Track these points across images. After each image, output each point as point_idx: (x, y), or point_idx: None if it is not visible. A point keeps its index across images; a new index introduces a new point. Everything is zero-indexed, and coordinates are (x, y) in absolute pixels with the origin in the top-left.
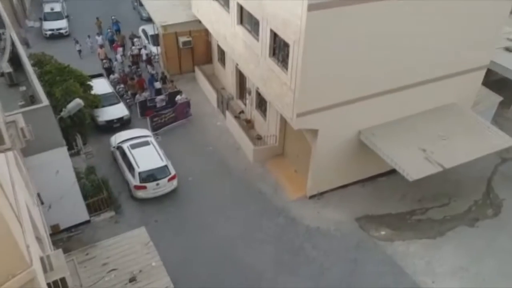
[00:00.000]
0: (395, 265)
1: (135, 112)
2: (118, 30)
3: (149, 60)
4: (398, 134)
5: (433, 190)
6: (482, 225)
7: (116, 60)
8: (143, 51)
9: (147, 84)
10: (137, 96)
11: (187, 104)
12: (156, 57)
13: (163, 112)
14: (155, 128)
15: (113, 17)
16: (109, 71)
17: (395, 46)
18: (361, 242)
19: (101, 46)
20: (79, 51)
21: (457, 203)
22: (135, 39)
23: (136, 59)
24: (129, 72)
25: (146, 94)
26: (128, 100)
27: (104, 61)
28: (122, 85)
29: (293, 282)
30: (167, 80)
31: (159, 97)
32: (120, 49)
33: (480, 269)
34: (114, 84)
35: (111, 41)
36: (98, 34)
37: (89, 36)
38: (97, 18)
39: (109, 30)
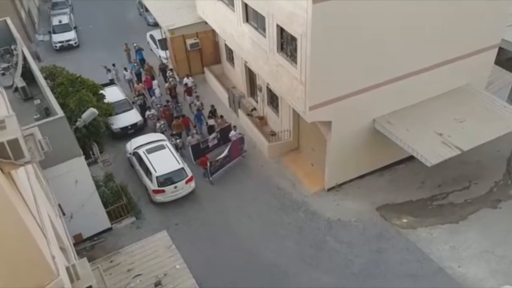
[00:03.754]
0: (419, 252)
1: (187, 157)
2: (142, 60)
3: (189, 90)
4: (413, 120)
5: (453, 174)
6: (505, 206)
7: (154, 94)
8: (185, 80)
9: (195, 122)
10: (189, 138)
11: (241, 140)
12: (195, 88)
13: (219, 158)
14: (212, 173)
15: (135, 44)
16: (143, 107)
17: (404, 31)
18: (383, 231)
19: (129, 81)
20: (111, 80)
21: (477, 186)
22: (169, 72)
23: (173, 93)
24: (171, 107)
25: (198, 136)
26: (178, 141)
27: (139, 97)
28: (162, 122)
29: (318, 277)
30: (216, 113)
31: (211, 137)
32: (155, 82)
33: (506, 252)
34: (152, 121)
35: (138, 75)
36: (126, 69)
37: (114, 65)
38: (126, 44)
39: (135, 64)
